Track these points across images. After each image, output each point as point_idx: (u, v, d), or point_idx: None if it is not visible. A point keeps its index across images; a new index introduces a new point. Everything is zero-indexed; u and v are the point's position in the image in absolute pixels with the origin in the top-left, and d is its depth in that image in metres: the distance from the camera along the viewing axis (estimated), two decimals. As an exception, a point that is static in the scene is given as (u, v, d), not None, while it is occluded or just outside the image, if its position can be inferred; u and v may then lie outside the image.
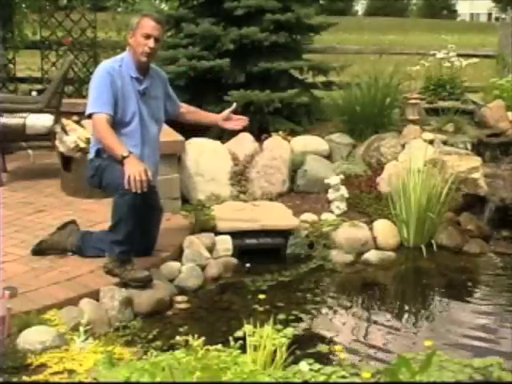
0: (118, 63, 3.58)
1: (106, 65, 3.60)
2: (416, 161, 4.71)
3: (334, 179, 4.88)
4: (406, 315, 3.67)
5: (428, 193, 4.49)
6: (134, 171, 3.22)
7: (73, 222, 3.87)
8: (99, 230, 3.82)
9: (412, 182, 4.55)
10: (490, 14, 53.28)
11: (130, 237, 3.37)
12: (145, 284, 3.40)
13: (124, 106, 3.54)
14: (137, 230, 3.42)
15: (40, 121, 5.28)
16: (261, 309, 3.49)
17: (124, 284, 3.38)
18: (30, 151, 5.37)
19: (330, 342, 3.16)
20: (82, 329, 2.96)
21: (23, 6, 8.10)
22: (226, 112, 4.00)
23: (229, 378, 2.27)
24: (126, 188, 3.23)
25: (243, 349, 2.65)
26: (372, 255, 4.34)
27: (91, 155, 3.63)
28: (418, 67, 6.79)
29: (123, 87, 3.54)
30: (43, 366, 2.68)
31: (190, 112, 4.07)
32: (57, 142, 4.89)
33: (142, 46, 3.52)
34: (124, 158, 3.30)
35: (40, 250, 3.72)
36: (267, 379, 2.41)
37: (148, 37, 3.52)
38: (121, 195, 3.29)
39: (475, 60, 6.94)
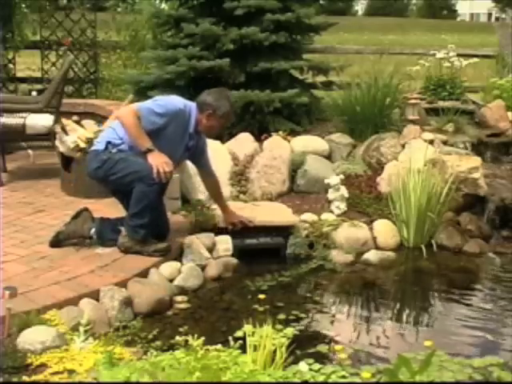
0: (188, 110, 3.74)
1: (184, 100, 3.77)
2: (416, 161, 4.71)
3: (333, 179, 4.87)
4: (405, 315, 3.67)
5: (428, 193, 4.49)
6: (161, 163, 3.53)
7: (85, 209, 3.89)
8: (115, 218, 3.91)
9: (412, 182, 4.55)
10: (490, 14, 53.32)
11: (154, 221, 3.71)
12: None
13: (166, 142, 3.67)
14: (158, 215, 3.78)
15: (40, 121, 5.28)
16: (261, 309, 3.48)
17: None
18: (29, 151, 5.38)
19: (330, 342, 3.15)
20: (81, 329, 2.95)
21: (23, 5, 8.11)
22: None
23: (229, 378, 2.27)
24: (154, 179, 3.50)
25: (243, 349, 2.65)
26: (372, 255, 4.34)
27: (98, 147, 3.73)
28: (417, 67, 6.80)
29: (178, 129, 3.72)
30: (43, 365, 2.68)
31: (212, 181, 4.27)
32: (57, 142, 4.89)
33: (213, 129, 3.85)
34: (149, 150, 3.56)
35: (58, 241, 3.78)
36: (267, 379, 2.41)
37: (222, 127, 3.95)
38: (149, 185, 3.55)
39: (475, 60, 6.94)
